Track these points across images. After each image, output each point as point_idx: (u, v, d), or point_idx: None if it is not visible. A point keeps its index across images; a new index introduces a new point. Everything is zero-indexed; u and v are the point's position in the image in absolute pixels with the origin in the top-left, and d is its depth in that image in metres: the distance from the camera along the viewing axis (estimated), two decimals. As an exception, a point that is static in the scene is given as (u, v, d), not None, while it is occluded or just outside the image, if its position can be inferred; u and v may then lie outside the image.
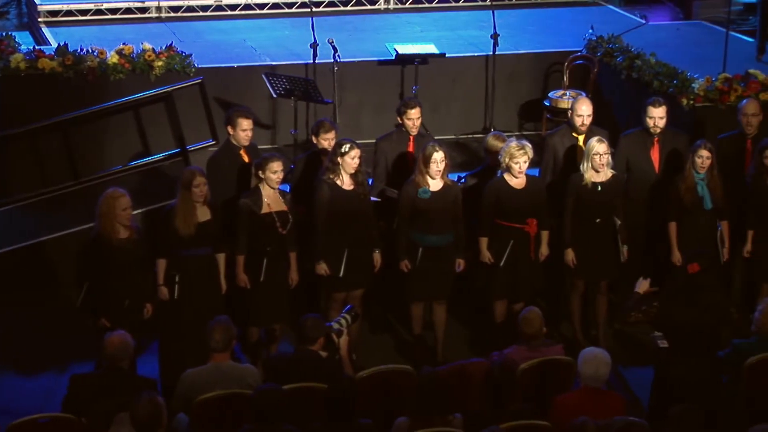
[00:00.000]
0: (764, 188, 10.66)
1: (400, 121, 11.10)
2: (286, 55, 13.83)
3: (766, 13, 13.49)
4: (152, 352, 10.23)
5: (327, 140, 10.70)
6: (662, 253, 10.90)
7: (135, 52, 12.84)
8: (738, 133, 11.21)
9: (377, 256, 10.46)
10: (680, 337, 8.85)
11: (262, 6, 15.50)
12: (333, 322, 8.91)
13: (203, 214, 9.98)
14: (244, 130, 10.74)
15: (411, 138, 11.08)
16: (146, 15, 15.27)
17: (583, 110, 11.08)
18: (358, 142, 10.64)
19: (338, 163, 10.21)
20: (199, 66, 13.07)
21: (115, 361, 8.35)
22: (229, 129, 10.80)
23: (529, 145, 10.41)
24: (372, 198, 10.77)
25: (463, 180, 11.11)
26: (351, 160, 10.19)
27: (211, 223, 9.99)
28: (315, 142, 10.84)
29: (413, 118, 11.01)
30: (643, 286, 9.41)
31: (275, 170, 10.03)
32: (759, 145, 10.71)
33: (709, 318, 8.87)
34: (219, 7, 15.42)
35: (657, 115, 11.01)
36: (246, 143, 10.82)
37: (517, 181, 10.43)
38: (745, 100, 11.36)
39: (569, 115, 11.31)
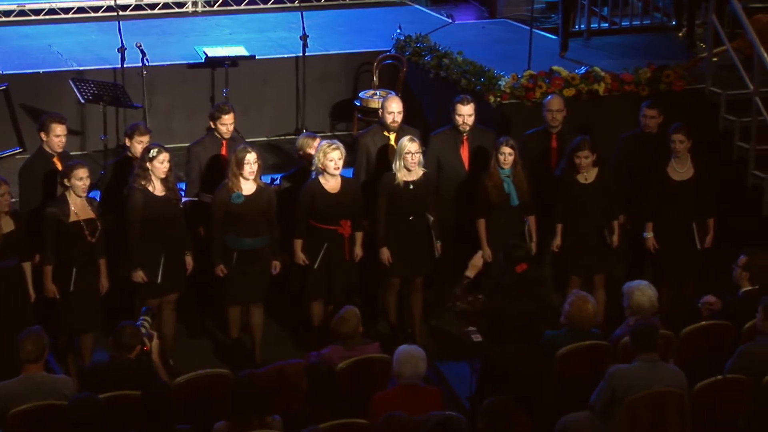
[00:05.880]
0: (573, 183, 10.87)
1: (213, 126, 11.03)
2: (93, 60, 13.62)
3: (567, 11, 13.80)
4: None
5: (141, 143, 10.56)
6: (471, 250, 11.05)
7: (-64, 59, 12.56)
8: (543, 129, 11.44)
9: (189, 258, 10.42)
10: (506, 328, 8.99)
11: (67, 10, 15.23)
12: (137, 326, 8.82)
13: (7, 224, 9.78)
14: (57, 135, 10.53)
15: (224, 142, 11.03)
16: (-53, 21, 14.90)
17: (393, 108, 11.19)
18: (170, 146, 10.60)
19: (148, 168, 10.13)
20: (4, 72, 12.83)
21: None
22: (42, 135, 10.58)
23: (341, 144, 10.50)
24: (187, 198, 10.72)
25: (277, 182, 11.12)
26: (160, 164, 10.12)
27: (16, 233, 9.80)
28: (128, 145, 10.71)
29: (227, 123, 10.96)
30: (476, 262, 9.32)
31: (81, 177, 9.88)
32: (570, 145, 10.86)
33: (534, 308, 9.05)
34: (22, 12, 15.09)
35: (465, 113, 11.17)
36: (59, 150, 10.60)
37: (331, 184, 10.49)
38: (549, 96, 11.60)
39: (380, 114, 11.41)
